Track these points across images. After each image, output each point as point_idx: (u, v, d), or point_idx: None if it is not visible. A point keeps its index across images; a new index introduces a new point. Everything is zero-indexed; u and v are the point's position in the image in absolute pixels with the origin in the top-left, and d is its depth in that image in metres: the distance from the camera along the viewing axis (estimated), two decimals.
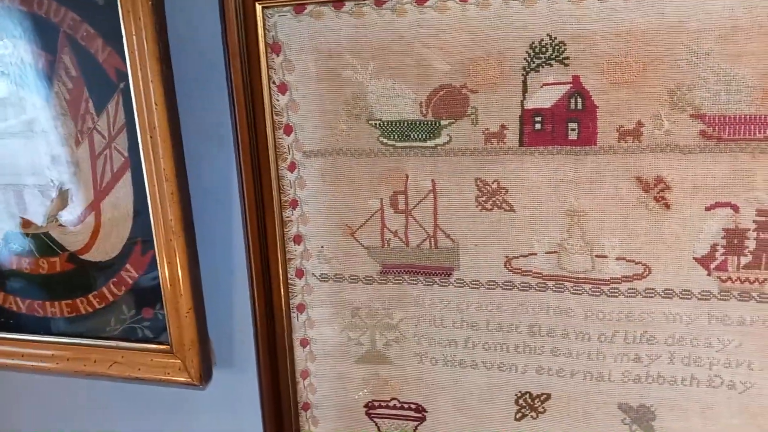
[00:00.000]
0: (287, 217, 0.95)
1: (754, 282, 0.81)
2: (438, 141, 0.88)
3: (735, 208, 0.80)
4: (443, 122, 0.87)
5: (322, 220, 0.95)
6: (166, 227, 1.01)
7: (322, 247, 0.96)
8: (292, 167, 0.93)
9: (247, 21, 0.88)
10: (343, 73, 0.88)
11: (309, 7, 0.86)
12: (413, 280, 0.94)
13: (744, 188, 0.79)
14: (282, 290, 0.98)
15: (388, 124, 0.88)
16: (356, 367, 1.00)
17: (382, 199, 0.92)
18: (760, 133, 0.77)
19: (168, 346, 1.09)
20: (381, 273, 0.95)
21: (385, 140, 0.89)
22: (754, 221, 0.80)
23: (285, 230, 0.96)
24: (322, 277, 0.97)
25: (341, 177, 0.92)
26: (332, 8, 0.86)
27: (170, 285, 1.04)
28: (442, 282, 0.93)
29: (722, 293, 0.83)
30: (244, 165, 0.93)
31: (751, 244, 0.80)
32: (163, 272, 1.04)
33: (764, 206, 0.79)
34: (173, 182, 0.98)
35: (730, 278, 0.82)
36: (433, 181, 0.89)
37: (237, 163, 0.94)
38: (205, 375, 1.09)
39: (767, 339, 0.83)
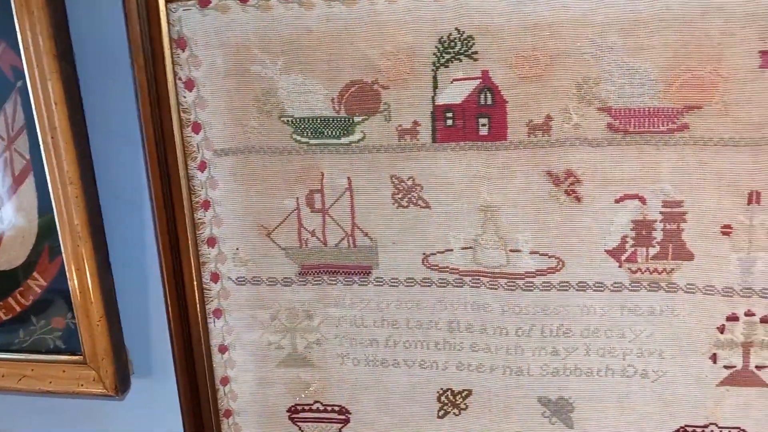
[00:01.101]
0: (199, 219, 0.92)
1: (662, 272, 0.83)
2: (352, 138, 0.86)
3: (642, 200, 0.81)
4: (356, 119, 0.85)
5: (236, 221, 0.92)
6: (72, 233, 0.96)
7: (237, 249, 0.93)
8: (203, 167, 0.90)
9: (150, 15, 0.85)
10: (252, 69, 0.85)
11: (214, 1, 0.83)
12: (333, 280, 0.92)
13: (650, 180, 0.80)
14: (196, 295, 0.95)
15: (300, 121, 0.86)
16: (277, 371, 0.98)
17: (297, 198, 0.89)
18: (663, 125, 0.78)
19: (81, 357, 1.04)
20: (300, 274, 0.93)
21: (298, 137, 0.87)
22: (660, 212, 0.81)
23: (197, 233, 0.92)
24: (239, 281, 0.94)
25: (254, 176, 0.89)
26: (238, 2, 0.83)
27: (80, 293, 0.99)
28: (361, 281, 0.92)
29: (633, 284, 0.84)
30: (151, 165, 0.89)
31: (658, 235, 0.82)
32: (72, 279, 0.99)
33: (669, 198, 0.80)
34: (78, 185, 0.93)
35: (639, 269, 0.83)
36: (348, 178, 0.88)
37: (145, 164, 0.90)
38: (121, 385, 1.04)
39: (676, 328, 0.84)
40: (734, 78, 0.75)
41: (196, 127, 0.89)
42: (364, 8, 0.80)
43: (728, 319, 0.83)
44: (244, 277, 0.94)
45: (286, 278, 0.93)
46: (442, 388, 0.93)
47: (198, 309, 0.96)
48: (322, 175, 0.88)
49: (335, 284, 0.92)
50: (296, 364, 0.97)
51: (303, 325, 0.95)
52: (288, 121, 0.86)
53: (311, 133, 0.86)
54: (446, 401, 0.94)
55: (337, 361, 0.96)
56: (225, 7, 0.83)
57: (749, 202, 0.78)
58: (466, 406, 0.93)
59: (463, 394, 0.93)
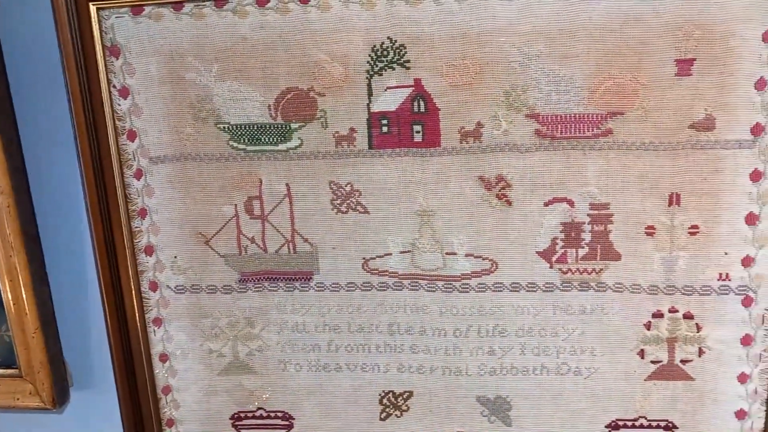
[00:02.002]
0: (136, 227, 0.91)
1: (591, 272, 0.86)
2: (289, 144, 0.87)
3: (570, 203, 0.84)
4: (293, 125, 0.86)
5: (173, 229, 0.91)
6: (4, 243, 0.93)
7: (175, 257, 0.92)
8: (139, 174, 0.89)
9: (81, 22, 0.84)
10: (187, 76, 0.85)
11: (147, 9, 0.83)
12: (273, 286, 0.93)
13: (577, 184, 0.83)
14: (135, 305, 0.94)
15: (237, 128, 0.86)
16: (220, 379, 0.97)
17: (236, 204, 0.90)
18: (588, 131, 0.81)
19: (17, 370, 1.01)
20: (240, 281, 0.93)
21: (235, 144, 0.87)
22: (588, 215, 0.84)
23: (135, 241, 0.92)
24: (178, 289, 0.94)
25: (192, 183, 0.89)
26: (172, 10, 0.83)
27: (14, 304, 0.97)
28: (302, 287, 0.92)
29: (564, 284, 0.87)
30: (86, 174, 0.88)
31: (586, 237, 0.85)
32: (6, 291, 0.96)
33: (596, 200, 0.83)
34: (9, 195, 0.91)
35: (570, 270, 0.86)
36: (287, 185, 0.88)
37: (80, 173, 0.89)
38: (59, 398, 1.02)
39: (606, 326, 0.88)
40: (653, 85, 0.78)
41: (132, 135, 0.88)
42: (298, 17, 0.81)
43: (654, 316, 0.86)
44: (183, 285, 0.93)
45: (226, 286, 0.93)
46: (383, 391, 0.95)
47: (137, 318, 0.95)
48: (260, 181, 0.88)
49: (276, 290, 0.93)
50: (238, 371, 0.97)
51: (244, 332, 0.95)
52: (224, 128, 0.86)
53: (248, 139, 0.87)
54: (388, 403, 0.95)
55: (280, 367, 0.96)
56: (158, 15, 0.83)
57: (670, 204, 0.82)
58: (408, 408, 0.95)
59: (405, 396, 0.94)
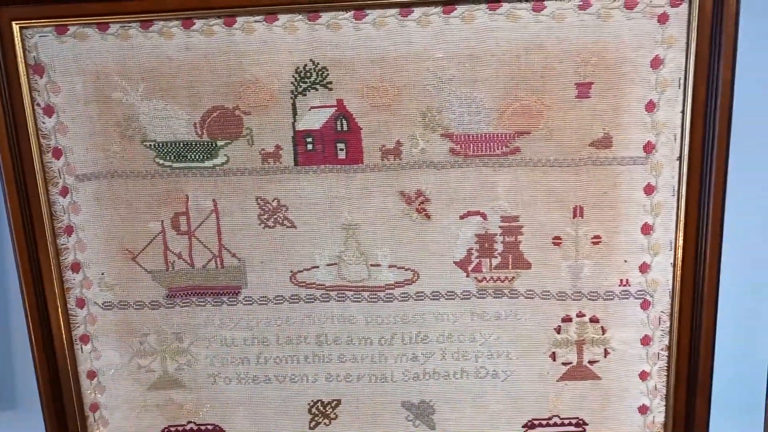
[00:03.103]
0: (62, 244, 0.91)
1: (504, 280, 0.92)
2: (216, 161, 0.89)
3: (484, 216, 0.90)
4: (219, 143, 0.88)
5: (100, 245, 0.92)
6: None
7: (102, 274, 0.93)
8: (65, 192, 0.90)
9: (3, 40, 0.84)
10: (113, 95, 0.86)
11: (72, 29, 0.84)
12: (201, 301, 0.94)
13: (489, 198, 0.89)
14: (62, 322, 0.94)
15: (163, 145, 0.88)
16: (149, 394, 0.98)
17: (162, 221, 0.91)
18: (498, 149, 0.87)
19: None
20: (167, 297, 0.94)
21: (161, 161, 0.89)
22: (500, 227, 0.90)
23: (61, 258, 0.92)
24: (105, 306, 0.94)
25: (118, 200, 0.90)
26: (97, 30, 0.84)
27: None
28: (230, 301, 0.94)
29: (480, 292, 0.92)
30: (9, 192, 0.88)
31: (499, 247, 0.91)
32: None
33: (507, 213, 0.89)
34: None
35: (485, 278, 0.92)
36: (214, 200, 0.91)
37: (3, 191, 0.89)
38: None
39: (520, 330, 0.93)
40: (556, 107, 0.85)
41: (57, 153, 0.88)
42: (223, 39, 0.84)
43: (563, 320, 0.93)
44: (110, 301, 0.94)
45: (153, 301, 0.94)
46: (312, 400, 0.98)
47: (64, 336, 0.94)
48: (187, 197, 0.90)
49: (204, 305, 0.94)
50: (168, 386, 0.97)
51: (173, 347, 0.96)
52: (150, 145, 0.88)
53: (174, 156, 0.88)
54: (317, 412, 0.98)
55: (209, 380, 0.97)
56: (83, 35, 0.84)
57: (574, 216, 0.89)
58: (336, 416, 0.98)
59: (333, 404, 0.98)
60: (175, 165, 0.89)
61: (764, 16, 0.85)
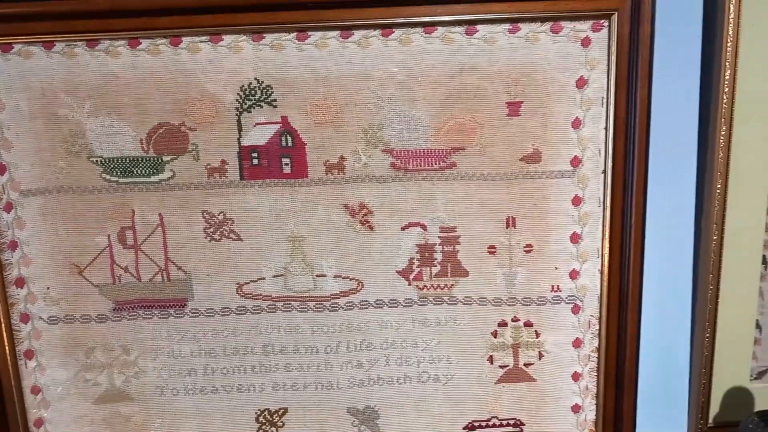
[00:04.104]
0: (6, 260, 0.91)
1: (444, 288, 0.96)
2: (162, 176, 0.91)
3: (423, 227, 0.94)
4: (165, 158, 0.90)
5: (46, 260, 0.92)
6: None
7: (48, 288, 0.93)
8: (9, 207, 0.90)
9: None
10: (59, 112, 0.87)
11: (17, 47, 0.85)
12: (148, 314, 0.96)
13: (429, 210, 0.93)
14: (5, 337, 0.93)
15: (109, 161, 0.90)
16: (95, 408, 0.98)
17: (109, 235, 0.92)
18: (436, 164, 0.92)
19: None
20: (114, 310, 0.95)
21: (107, 177, 0.90)
22: (439, 237, 0.94)
23: (4, 274, 0.92)
24: (51, 320, 0.94)
25: (65, 215, 0.91)
26: (42, 48, 0.85)
27: None
28: (177, 314, 0.96)
29: (421, 300, 0.97)
30: None
31: (438, 257, 0.95)
32: None
33: (445, 224, 0.94)
34: None
35: (426, 286, 0.96)
36: (160, 215, 0.92)
37: None
38: None
39: (459, 335, 0.98)
40: (488, 124, 0.91)
41: (1, 169, 0.89)
42: (169, 57, 0.87)
43: (499, 325, 0.98)
44: (56, 316, 0.94)
45: (100, 315, 0.95)
46: (259, 409, 1.00)
47: (8, 351, 0.94)
48: (133, 212, 0.92)
49: (151, 318, 0.96)
50: (115, 399, 0.98)
51: (120, 360, 0.97)
52: (97, 161, 0.89)
53: (120, 172, 0.90)
54: (264, 421, 1.00)
55: (156, 392, 0.98)
56: (28, 53, 0.85)
57: (507, 226, 0.94)
58: (283, 424, 1.00)
59: (280, 413, 1.00)
60: (122, 180, 0.90)
61: (678, 41, 0.92)
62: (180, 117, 0.89)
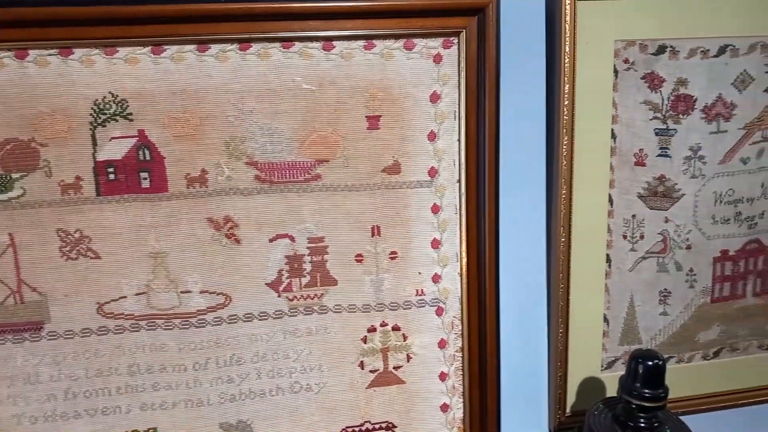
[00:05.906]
0: None
1: (314, 297, 0.98)
2: (11, 194, 0.87)
3: (292, 238, 0.95)
4: (14, 175, 0.86)
5: None
6: None
7: None
8: None
9: None
10: None
11: None
12: (0, 339, 0.90)
13: (296, 221, 0.95)
14: None
15: None
16: None
17: None
18: (301, 176, 0.94)
19: None
20: None
21: None
22: (307, 248, 0.96)
23: None
24: None
25: None
26: None
27: None
28: (33, 337, 0.91)
29: (291, 310, 0.98)
30: None
31: (307, 267, 0.97)
32: None
33: (313, 235, 0.96)
34: None
35: (295, 297, 0.97)
36: (10, 234, 0.88)
37: None
38: None
39: (330, 343, 1.00)
40: (350, 137, 0.94)
41: None
42: (15, 71, 0.83)
43: (369, 330, 1.01)
44: None
45: None
46: (126, 431, 0.97)
47: None
48: None
49: (4, 343, 0.91)
50: None
51: None
52: None
53: None
54: None
55: (13, 421, 0.93)
56: None
57: (372, 235, 0.98)
58: None
59: None
60: None
61: (523, 58, 1.00)
62: (29, 132, 0.85)
